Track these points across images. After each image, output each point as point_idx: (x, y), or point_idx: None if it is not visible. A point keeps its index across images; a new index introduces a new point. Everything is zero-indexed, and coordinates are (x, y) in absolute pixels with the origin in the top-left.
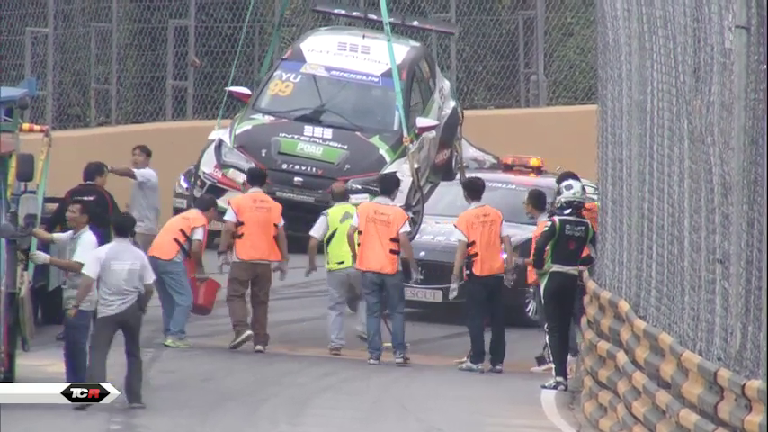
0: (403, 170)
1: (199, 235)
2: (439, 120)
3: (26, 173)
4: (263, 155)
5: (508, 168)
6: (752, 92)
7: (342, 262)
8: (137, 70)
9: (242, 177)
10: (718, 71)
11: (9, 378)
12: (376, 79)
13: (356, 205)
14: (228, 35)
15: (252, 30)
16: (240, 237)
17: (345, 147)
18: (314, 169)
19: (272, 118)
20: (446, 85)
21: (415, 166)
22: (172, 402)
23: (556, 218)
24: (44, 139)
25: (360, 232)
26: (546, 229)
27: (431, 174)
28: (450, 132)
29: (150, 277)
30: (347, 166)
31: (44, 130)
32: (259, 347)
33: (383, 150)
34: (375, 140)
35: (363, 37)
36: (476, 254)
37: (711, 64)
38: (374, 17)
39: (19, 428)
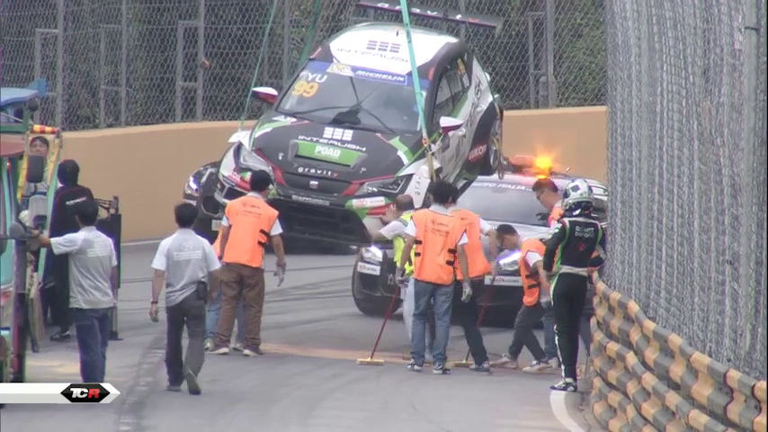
0: (421, 172)
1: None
2: (472, 117)
3: (36, 174)
4: (280, 158)
5: (517, 169)
6: (761, 93)
7: None
8: (146, 71)
9: None
10: (728, 72)
11: (19, 379)
12: (402, 79)
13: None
14: (238, 36)
15: (262, 31)
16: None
17: (364, 149)
18: (329, 172)
19: (293, 120)
20: (484, 80)
21: (437, 166)
22: (181, 403)
23: (566, 220)
24: (55, 140)
25: (418, 242)
26: (556, 230)
27: (464, 170)
28: (485, 128)
29: (213, 265)
30: (363, 169)
31: (55, 131)
32: (247, 352)
33: (402, 152)
34: (395, 142)
35: (397, 34)
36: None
37: (721, 65)
38: (417, 11)
39: (28, 429)
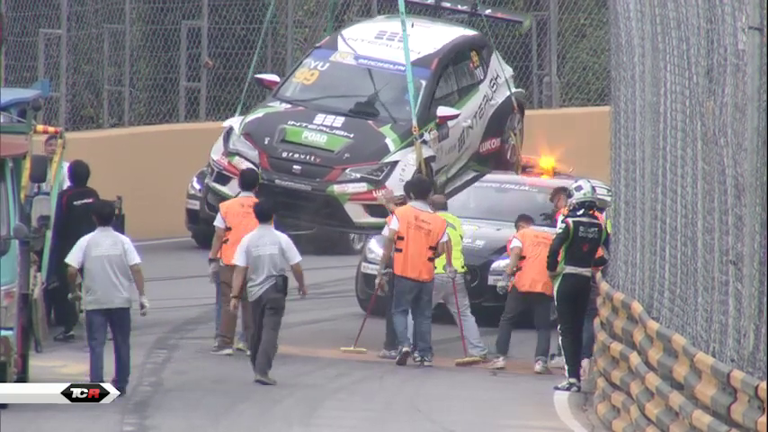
0: (407, 160)
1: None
2: (483, 109)
3: (39, 174)
4: (266, 142)
5: (522, 170)
6: (765, 93)
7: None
8: (149, 72)
9: (245, 164)
10: (732, 72)
11: (23, 379)
12: (403, 68)
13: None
14: (241, 36)
15: (266, 31)
16: (227, 242)
17: (351, 135)
18: (312, 157)
19: (288, 106)
20: (504, 74)
21: (429, 154)
22: (185, 403)
23: (570, 220)
24: (58, 140)
25: (400, 237)
26: (560, 231)
27: (474, 162)
28: (499, 121)
29: (294, 258)
30: (346, 155)
31: (58, 131)
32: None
33: (390, 139)
34: (385, 129)
35: (413, 25)
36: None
37: (725, 65)
38: (447, 5)
39: (31, 429)
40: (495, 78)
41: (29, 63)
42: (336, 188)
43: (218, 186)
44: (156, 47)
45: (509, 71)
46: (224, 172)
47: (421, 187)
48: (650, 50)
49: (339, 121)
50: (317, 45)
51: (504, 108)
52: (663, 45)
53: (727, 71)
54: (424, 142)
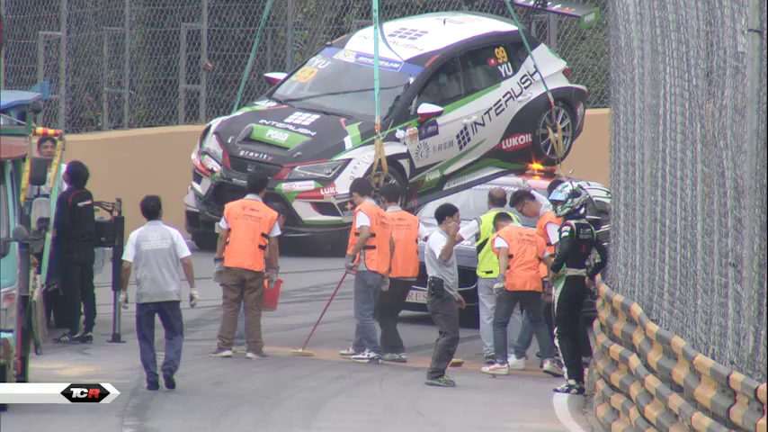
0: (362, 158)
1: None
2: (501, 106)
3: (39, 177)
4: (229, 141)
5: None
6: (764, 95)
7: (490, 272)
8: (149, 74)
9: (212, 163)
10: (731, 75)
11: (22, 382)
12: (396, 65)
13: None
14: (241, 39)
15: (265, 34)
16: (228, 243)
17: (313, 133)
18: (265, 156)
19: (273, 104)
20: (542, 70)
21: (398, 152)
22: (185, 405)
23: (572, 222)
24: (58, 142)
25: (372, 234)
26: (566, 234)
27: (497, 159)
28: (529, 118)
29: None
30: (297, 153)
31: (57, 133)
32: (249, 355)
33: (350, 137)
34: (351, 127)
35: (444, 22)
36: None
37: (724, 67)
38: (520, 1)
39: (31, 431)
40: (530, 75)
41: (29, 65)
42: (284, 186)
43: (194, 184)
44: (156, 49)
45: (558, 66)
46: (196, 170)
47: (364, 186)
48: (650, 53)
49: (311, 119)
50: (329, 43)
51: (535, 104)
52: (662, 47)
53: (727, 73)
54: (396, 140)
